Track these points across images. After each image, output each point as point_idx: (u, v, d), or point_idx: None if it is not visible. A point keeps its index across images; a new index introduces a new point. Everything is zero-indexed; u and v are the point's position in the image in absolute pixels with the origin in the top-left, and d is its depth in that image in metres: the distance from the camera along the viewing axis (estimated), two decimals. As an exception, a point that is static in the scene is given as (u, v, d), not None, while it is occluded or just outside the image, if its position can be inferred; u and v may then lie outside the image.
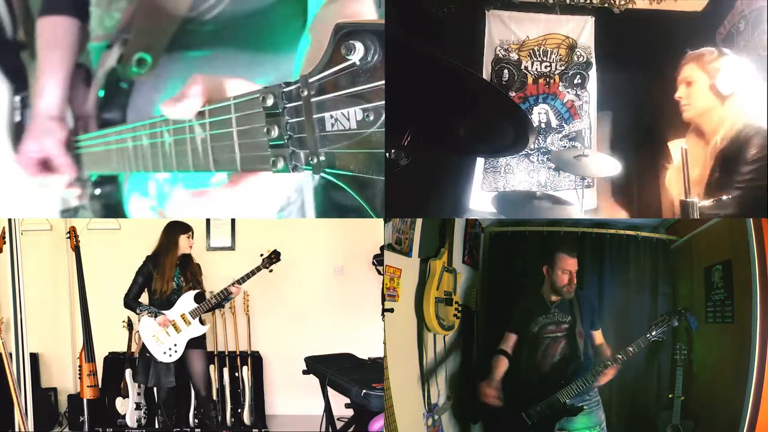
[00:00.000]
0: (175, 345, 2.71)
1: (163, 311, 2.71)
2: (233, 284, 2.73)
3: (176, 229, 2.73)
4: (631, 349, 2.18)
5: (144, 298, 2.82)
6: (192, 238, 2.78)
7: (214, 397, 3.19)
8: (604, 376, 2.20)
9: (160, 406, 2.94)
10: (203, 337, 2.82)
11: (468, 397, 2.74)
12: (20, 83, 2.13)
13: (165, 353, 2.72)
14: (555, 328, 2.32)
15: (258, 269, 2.75)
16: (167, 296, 2.72)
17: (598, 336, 2.38)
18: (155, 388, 2.90)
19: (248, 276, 2.75)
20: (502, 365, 2.30)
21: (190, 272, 2.76)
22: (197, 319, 2.72)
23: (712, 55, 2.26)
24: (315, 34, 1.40)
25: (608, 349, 2.34)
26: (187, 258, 2.78)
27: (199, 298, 2.73)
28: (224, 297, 2.73)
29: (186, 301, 2.72)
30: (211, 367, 3.24)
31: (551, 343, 2.31)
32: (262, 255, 2.77)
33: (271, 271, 2.77)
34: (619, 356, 2.19)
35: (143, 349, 2.79)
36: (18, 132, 2.05)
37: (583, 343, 2.30)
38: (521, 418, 2.22)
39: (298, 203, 1.84)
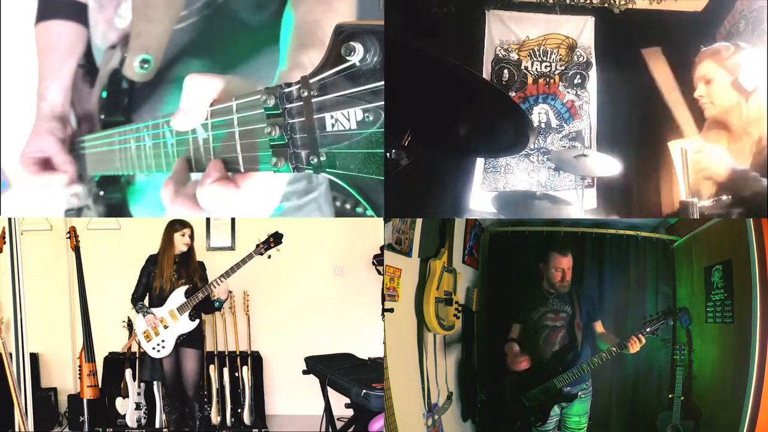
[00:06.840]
0: (163, 341, 2.73)
1: (156, 309, 2.72)
2: (217, 279, 2.64)
3: (171, 228, 2.74)
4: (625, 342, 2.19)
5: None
6: (188, 236, 2.75)
7: (209, 400, 3.19)
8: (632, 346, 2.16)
9: (162, 398, 2.98)
10: (199, 336, 2.80)
11: (468, 396, 2.74)
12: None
13: (154, 348, 2.76)
14: (554, 316, 2.39)
15: (249, 257, 2.63)
16: (166, 294, 2.72)
17: (599, 326, 2.43)
18: (157, 383, 3.00)
19: (236, 267, 2.63)
20: (515, 347, 2.44)
21: (185, 270, 2.74)
22: (186, 314, 2.70)
23: (729, 50, 2.24)
24: (299, 8, 1.37)
25: (611, 337, 2.37)
26: (186, 256, 2.77)
27: (190, 293, 2.71)
28: (209, 294, 2.66)
29: (176, 297, 2.71)
30: (212, 367, 3.24)
31: (551, 332, 2.38)
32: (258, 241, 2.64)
33: (269, 257, 2.65)
34: (614, 349, 2.22)
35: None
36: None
37: (581, 334, 2.36)
38: (518, 403, 2.32)
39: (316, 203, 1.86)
